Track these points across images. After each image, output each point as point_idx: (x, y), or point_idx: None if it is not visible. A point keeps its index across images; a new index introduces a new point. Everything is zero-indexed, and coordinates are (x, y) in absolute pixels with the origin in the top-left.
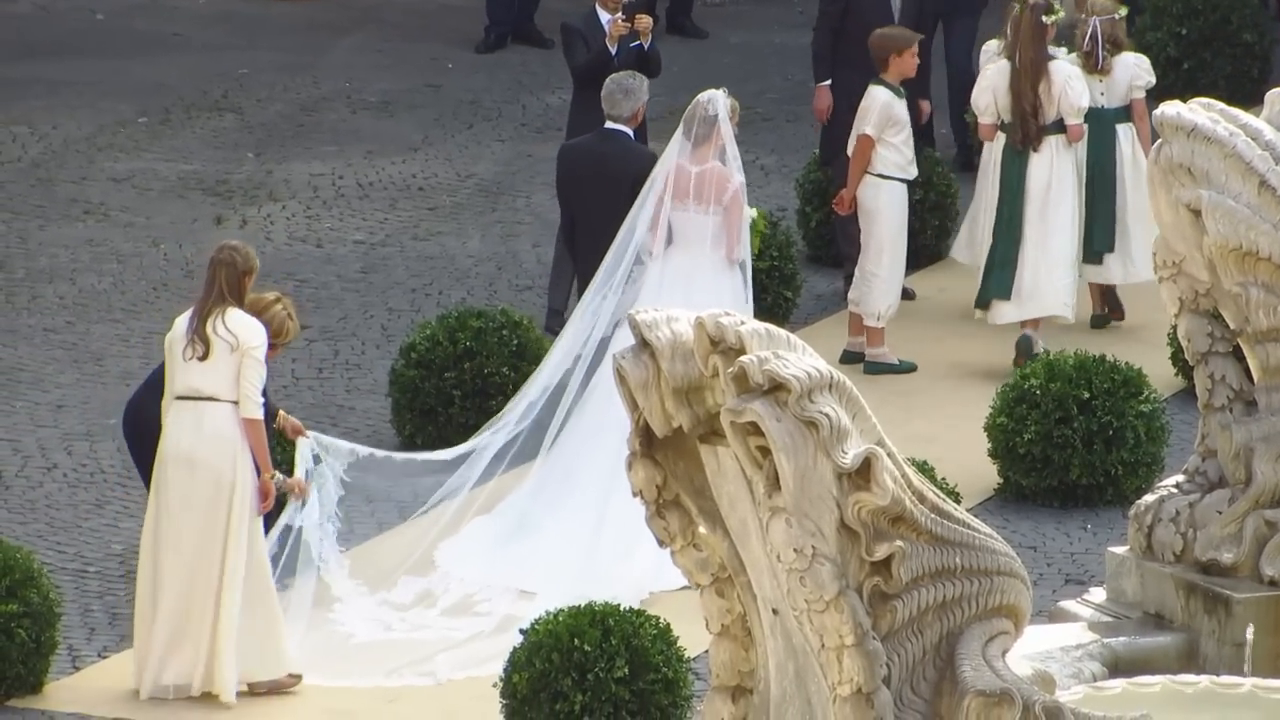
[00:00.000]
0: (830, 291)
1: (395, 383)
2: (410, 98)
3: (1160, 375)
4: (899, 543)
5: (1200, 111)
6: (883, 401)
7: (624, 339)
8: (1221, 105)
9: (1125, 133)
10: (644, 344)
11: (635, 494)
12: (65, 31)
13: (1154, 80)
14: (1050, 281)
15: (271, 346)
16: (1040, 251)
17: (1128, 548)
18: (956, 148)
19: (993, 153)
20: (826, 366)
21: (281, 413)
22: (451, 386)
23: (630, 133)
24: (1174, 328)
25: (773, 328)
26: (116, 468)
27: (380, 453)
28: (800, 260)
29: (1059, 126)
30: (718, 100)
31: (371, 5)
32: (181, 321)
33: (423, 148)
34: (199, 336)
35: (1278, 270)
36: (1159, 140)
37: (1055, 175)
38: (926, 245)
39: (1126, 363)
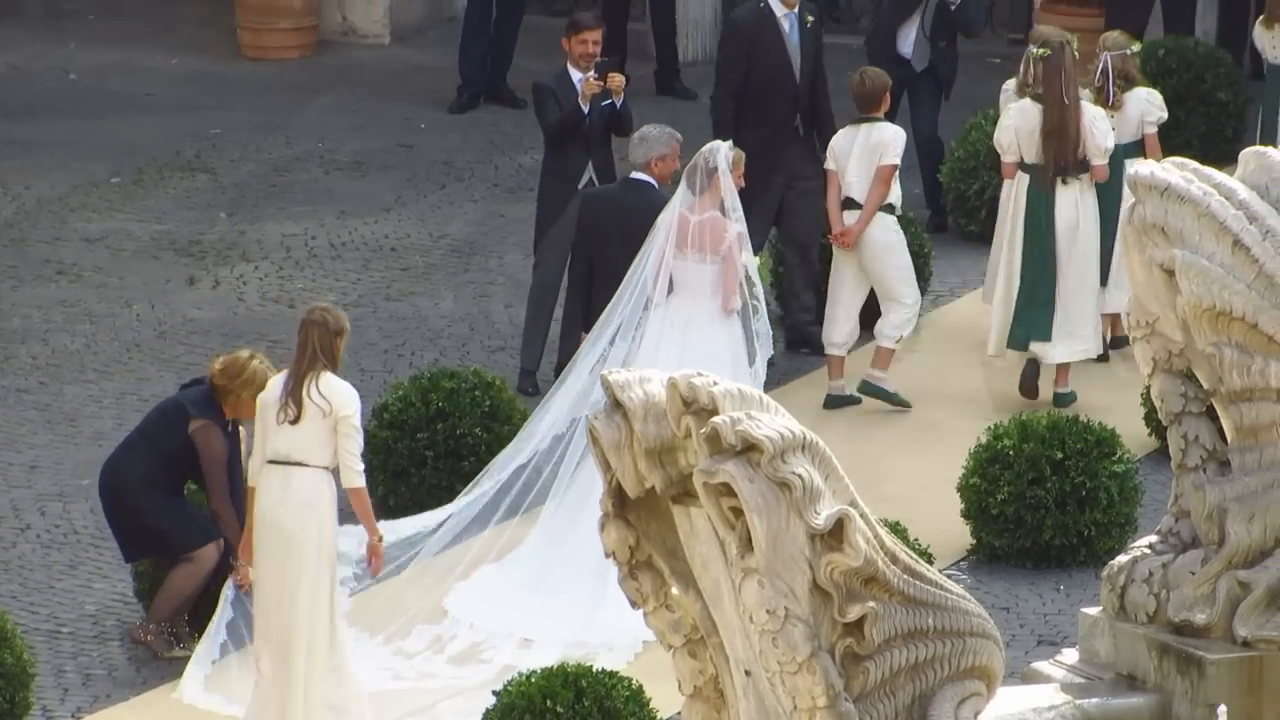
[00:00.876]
0: (802, 352)
1: (368, 443)
2: (383, 158)
3: (1134, 436)
4: (872, 604)
5: (1174, 171)
6: (856, 464)
7: None
8: (1195, 164)
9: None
10: (617, 405)
11: (608, 555)
12: (39, 91)
13: (1165, 115)
14: (1085, 321)
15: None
16: (1074, 291)
17: (1100, 609)
18: (930, 210)
19: (1013, 192)
20: (799, 427)
21: None
22: (424, 447)
23: (653, 183)
24: (1147, 388)
25: (745, 388)
26: (90, 529)
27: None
28: (772, 320)
29: (1083, 166)
30: (719, 152)
31: (344, 65)
32: (275, 384)
33: (395, 208)
34: (292, 399)
35: (1251, 330)
36: (1132, 200)
37: (1082, 214)
38: None
39: (1100, 423)
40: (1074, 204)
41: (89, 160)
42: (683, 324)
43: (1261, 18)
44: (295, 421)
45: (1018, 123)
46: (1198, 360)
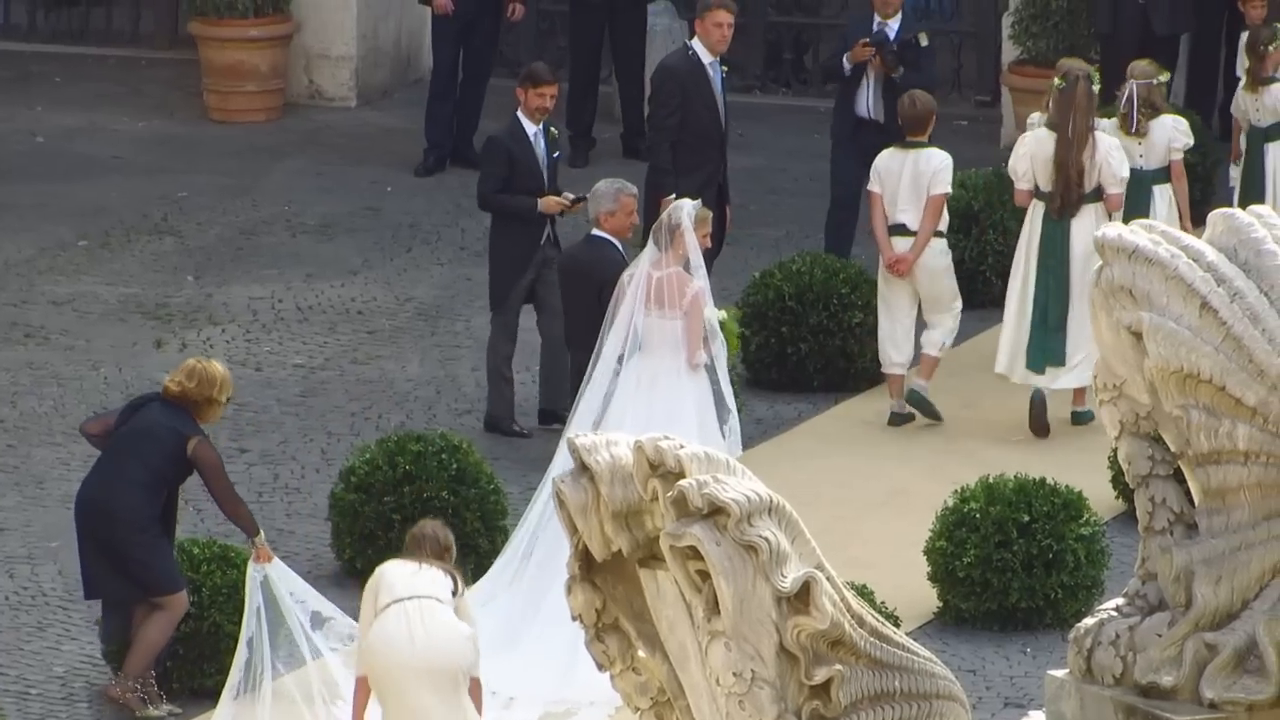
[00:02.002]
0: (770, 415)
1: (335, 506)
2: (349, 221)
3: (1100, 498)
4: (838, 666)
5: (1142, 233)
6: (823, 527)
7: None
8: (1164, 226)
9: (1161, 193)
10: (583, 468)
11: (574, 618)
12: (5, 154)
13: (1192, 142)
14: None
15: (218, 404)
16: (1086, 319)
17: (1067, 671)
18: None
19: (1030, 218)
20: (766, 490)
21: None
22: (391, 510)
23: (609, 239)
24: (1114, 450)
25: (712, 451)
26: (58, 590)
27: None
28: (739, 383)
29: (1098, 194)
30: (682, 209)
31: (311, 128)
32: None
33: (362, 271)
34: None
35: (1219, 393)
36: (1100, 263)
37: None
38: (866, 369)
39: (1066, 485)
40: (1088, 233)
41: (56, 223)
42: (649, 381)
43: (1243, 82)
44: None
45: (1033, 150)
46: (1165, 423)
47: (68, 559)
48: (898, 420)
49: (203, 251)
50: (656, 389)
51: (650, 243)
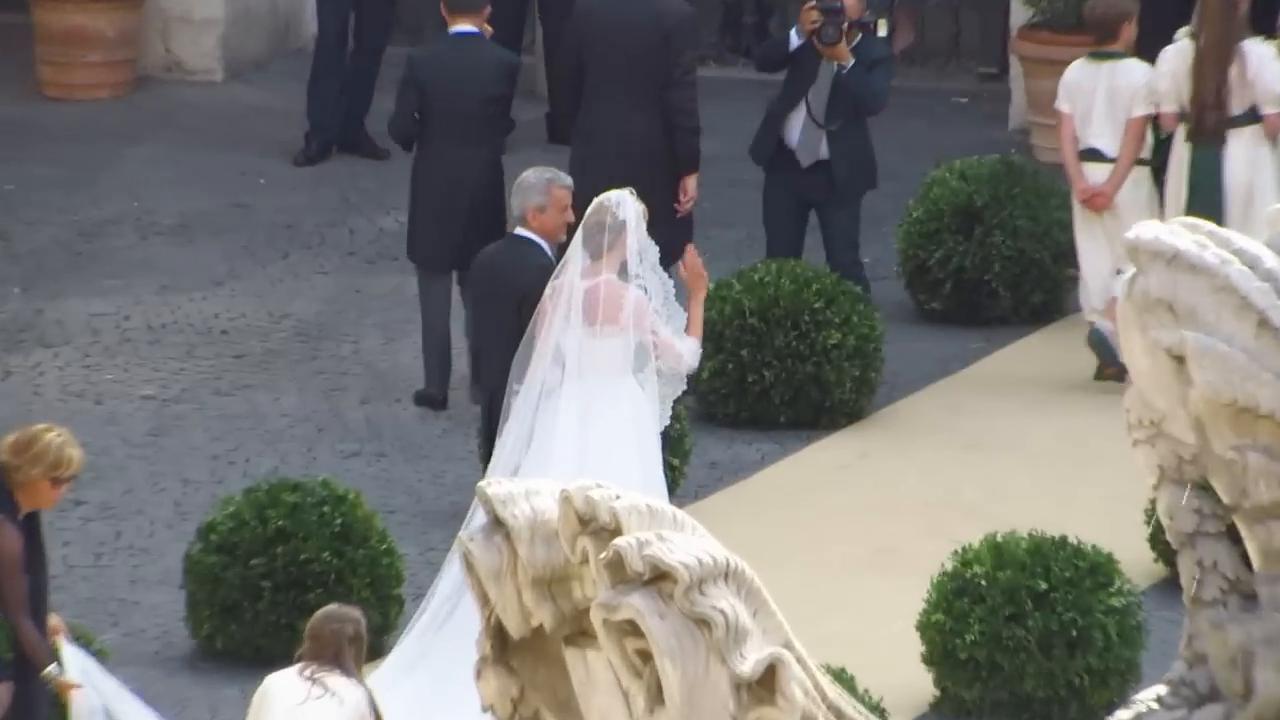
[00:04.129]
0: (727, 458)
1: (191, 571)
2: (213, 220)
3: (1136, 561)
4: None
5: (1184, 234)
6: (792, 595)
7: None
8: (1210, 225)
9: None
10: (497, 523)
11: (485, 709)
12: None
13: None
14: None
15: (53, 482)
16: None
17: None
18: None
19: (1176, 147)
20: (722, 552)
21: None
22: (260, 576)
23: (536, 240)
24: (1152, 501)
25: (656, 503)
26: None
27: None
28: (689, 419)
29: (1252, 116)
30: (626, 204)
31: (167, 107)
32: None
33: (228, 281)
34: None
35: None
36: (1132, 270)
37: (1257, 173)
38: (845, 401)
39: (1093, 545)
40: (1247, 162)
41: None
42: (579, 413)
43: None
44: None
45: (1174, 65)
46: (1215, 468)
47: None
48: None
49: (32, 258)
50: (591, 425)
51: (577, 244)
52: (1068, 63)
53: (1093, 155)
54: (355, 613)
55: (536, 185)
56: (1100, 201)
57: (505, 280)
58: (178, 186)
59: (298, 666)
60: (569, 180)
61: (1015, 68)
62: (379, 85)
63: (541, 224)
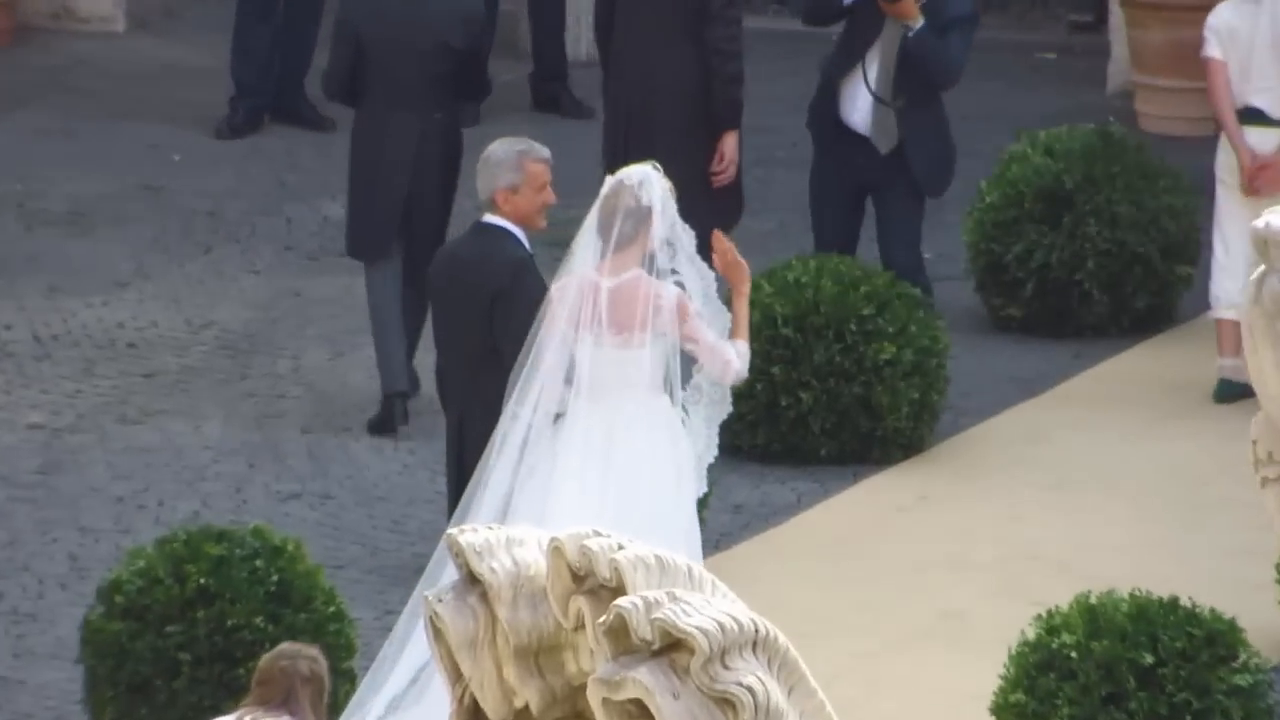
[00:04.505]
0: (755, 499)
1: (90, 642)
2: (116, 207)
3: (1264, 628)
4: None
5: None
6: (838, 669)
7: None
8: None
9: None
10: (472, 580)
11: None
12: None
13: None
14: None
15: None
16: None
17: None
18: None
19: None
20: (749, 615)
21: None
22: (177, 647)
23: (508, 227)
24: None
25: (667, 555)
26: None
27: None
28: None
29: None
30: (650, 182)
31: (57, 65)
32: None
33: (135, 283)
34: None
35: None
36: (1260, 269)
37: None
38: (900, 430)
39: (1212, 609)
40: None
41: None
42: (601, 443)
43: None
44: None
45: None
46: None
47: None
48: (1228, 393)
49: None
50: (613, 456)
51: (591, 231)
52: (1179, 10)
53: (1254, 117)
54: (311, 650)
55: (506, 160)
56: (1267, 177)
57: (472, 279)
58: (70, 164)
59: (236, 714)
60: (545, 151)
61: (1116, 15)
62: (321, 37)
63: (515, 207)
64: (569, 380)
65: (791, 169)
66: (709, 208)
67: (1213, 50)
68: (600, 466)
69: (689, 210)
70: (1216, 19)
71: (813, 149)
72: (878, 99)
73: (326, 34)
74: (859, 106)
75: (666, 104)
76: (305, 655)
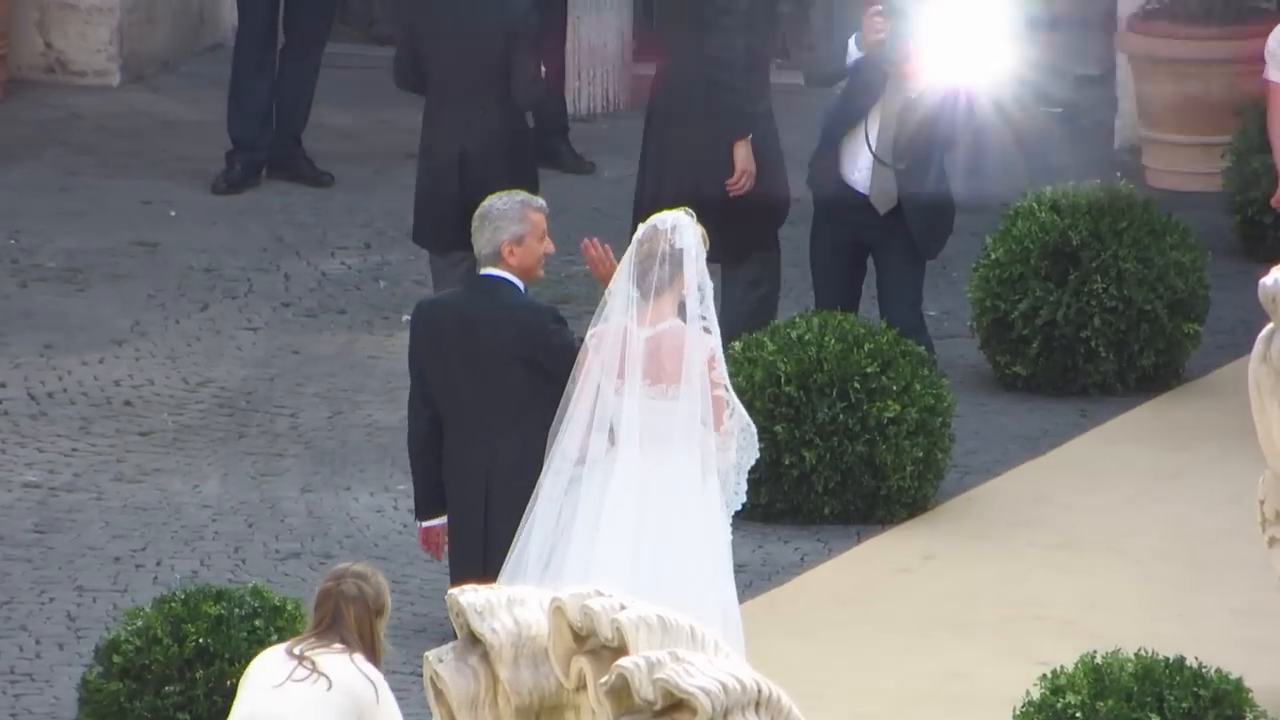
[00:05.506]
0: (757, 559)
1: (88, 702)
2: (112, 262)
3: (1271, 688)
4: None
5: None
6: None
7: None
8: None
9: None
10: (473, 640)
11: None
12: None
13: None
14: None
15: None
16: None
17: None
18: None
19: None
20: (751, 675)
21: None
22: (176, 707)
23: (511, 279)
24: None
25: (670, 615)
26: None
27: None
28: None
29: None
30: (683, 228)
31: (50, 118)
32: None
33: (132, 340)
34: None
35: None
36: (1268, 326)
37: None
38: (905, 489)
39: (1218, 669)
40: None
41: None
42: (636, 498)
43: None
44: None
45: None
46: None
47: None
48: None
49: None
50: (648, 510)
51: (625, 280)
52: (1187, 64)
53: None
54: (359, 567)
55: (509, 212)
56: None
57: (489, 335)
58: (65, 219)
59: (290, 641)
60: (541, 200)
61: (1123, 69)
62: (319, 92)
63: (521, 259)
64: (599, 428)
65: (793, 225)
66: (735, 224)
67: (1273, 74)
68: (636, 520)
69: (717, 231)
70: (1275, 41)
71: (813, 207)
72: (878, 160)
73: (324, 89)
74: (860, 165)
75: (682, 130)
76: (352, 573)
